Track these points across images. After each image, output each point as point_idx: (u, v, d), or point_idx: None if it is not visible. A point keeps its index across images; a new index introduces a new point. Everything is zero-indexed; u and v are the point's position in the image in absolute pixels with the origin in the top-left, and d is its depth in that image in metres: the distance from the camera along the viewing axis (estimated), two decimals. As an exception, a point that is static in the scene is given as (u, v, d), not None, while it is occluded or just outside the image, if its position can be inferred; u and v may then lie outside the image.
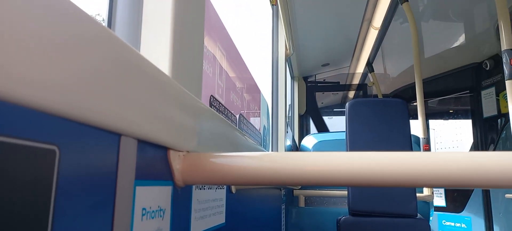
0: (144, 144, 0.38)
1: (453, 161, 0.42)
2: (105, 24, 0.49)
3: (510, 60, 1.54)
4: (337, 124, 3.77)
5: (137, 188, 0.37)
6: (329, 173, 0.43)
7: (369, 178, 0.43)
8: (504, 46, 1.59)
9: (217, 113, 0.63)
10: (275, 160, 0.45)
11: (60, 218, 0.26)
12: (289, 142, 2.15)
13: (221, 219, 0.65)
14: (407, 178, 0.42)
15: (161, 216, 0.42)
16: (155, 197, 0.40)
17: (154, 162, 0.41)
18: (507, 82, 1.56)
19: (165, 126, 0.41)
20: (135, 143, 0.36)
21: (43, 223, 0.24)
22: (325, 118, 3.58)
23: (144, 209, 0.38)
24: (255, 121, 1.53)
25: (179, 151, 0.46)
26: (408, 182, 0.43)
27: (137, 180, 0.37)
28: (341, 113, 4.24)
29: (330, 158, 0.44)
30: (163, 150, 0.43)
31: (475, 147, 3.36)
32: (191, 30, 0.54)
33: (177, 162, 0.45)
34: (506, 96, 1.56)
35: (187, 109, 0.48)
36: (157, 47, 0.46)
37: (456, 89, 3.64)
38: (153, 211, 0.40)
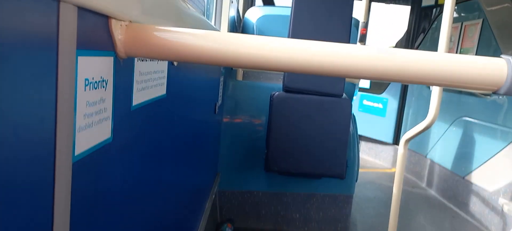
0: (84, 12, 0.36)
1: (377, 56, 0.47)
2: None
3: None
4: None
5: (79, 58, 0.36)
6: (267, 59, 0.46)
7: (303, 67, 0.46)
8: None
9: (161, -19, 0.59)
10: (217, 41, 0.46)
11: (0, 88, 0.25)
12: (233, 13, 2.11)
13: (162, 91, 0.66)
14: (336, 69, 0.46)
15: (104, 87, 0.42)
16: (97, 68, 0.40)
17: (96, 31, 0.40)
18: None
19: (106, -7, 0.39)
20: (75, 10, 0.34)
21: None
22: None
23: (86, 79, 0.38)
24: (199, -12, 1.45)
25: (121, 20, 0.44)
26: (337, 72, 0.47)
27: (78, 49, 0.36)
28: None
29: (270, 43, 0.46)
30: (105, 18, 0.42)
31: (408, 34, 3.58)
32: None
33: (119, 32, 0.44)
34: None
35: (129, -24, 0.45)
36: None
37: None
38: (96, 82, 0.40)
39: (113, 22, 0.43)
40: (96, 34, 0.40)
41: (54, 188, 0.33)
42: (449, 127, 2.83)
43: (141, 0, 0.49)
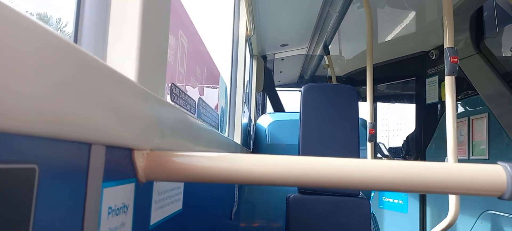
0: (111, 148, 0.41)
1: (388, 169, 0.49)
2: (71, 38, 0.50)
3: (450, 58, 1.68)
4: (291, 98, 3.89)
5: (105, 189, 0.40)
6: (280, 176, 0.49)
7: (315, 182, 0.49)
8: (447, 44, 1.71)
9: (179, 108, 0.66)
10: (231, 161, 0.50)
11: (38, 227, 0.29)
12: (245, 120, 2.21)
13: (178, 206, 0.69)
14: (347, 183, 0.49)
15: (125, 212, 0.45)
16: (119, 195, 0.44)
17: (120, 163, 0.44)
18: (447, 78, 1.70)
19: (131, 130, 0.44)
20: (103, 149, 0.39)
21: None
22: (280, 93, 3.69)
23: (110, 207, 0.41)
24: (213, 102, 1.56)
25: (143, 150, 0.49)
26: (347, 186, 0.49)
27: (104, 182, 0.40)
28: (295, 90, 4.44)
29: (282, 162, 0.50)
30: (129, 151, 0.46)
31: (417, 132, 3.62)
32: (157, 35, 0.56)
33: (140, 161, 0.49)
34: None
35: (151, 111, 0.51)
36: (123, 55, 0.48)
37: (404, 76, 3.85)
38: (118, 208, 0.43)
39: (136, 153, 0.48)
40: (120, 166, 0.45)
41: None
42: (476, 221, 2.70)
43: (161, 131, 0.54)
